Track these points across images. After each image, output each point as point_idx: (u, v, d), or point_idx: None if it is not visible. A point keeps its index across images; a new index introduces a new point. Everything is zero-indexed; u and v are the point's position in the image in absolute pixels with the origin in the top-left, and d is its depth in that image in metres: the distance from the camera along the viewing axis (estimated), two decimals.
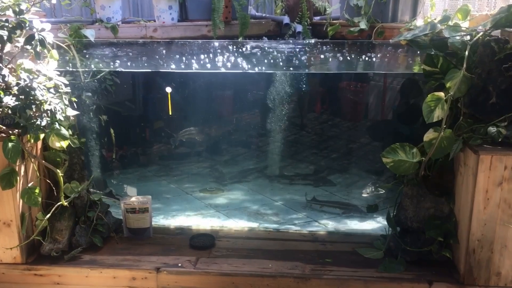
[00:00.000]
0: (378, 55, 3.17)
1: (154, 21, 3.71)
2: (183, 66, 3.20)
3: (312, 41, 3.45)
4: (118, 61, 3.17)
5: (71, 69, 3.03)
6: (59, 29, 3.11)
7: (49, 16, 3.60)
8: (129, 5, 4.46)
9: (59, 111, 2.59)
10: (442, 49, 2.58)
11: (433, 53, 2.58)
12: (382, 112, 4.76)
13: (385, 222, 2.98)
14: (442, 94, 2.45)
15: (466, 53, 2.42)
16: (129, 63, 3.23)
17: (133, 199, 3.20)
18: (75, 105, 2.86)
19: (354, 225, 3.57)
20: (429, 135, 2.52)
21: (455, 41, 2.52)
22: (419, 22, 3.31)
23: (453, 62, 2.57)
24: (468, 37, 2.52)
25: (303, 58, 3.35)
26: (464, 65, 2.41)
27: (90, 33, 3.11)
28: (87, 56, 3.11)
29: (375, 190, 3.58)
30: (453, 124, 2.59)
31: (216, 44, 3.23)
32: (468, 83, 2.45)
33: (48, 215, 2.81)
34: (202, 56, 3.20)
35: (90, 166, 3.93)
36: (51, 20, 2.95)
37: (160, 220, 3.58)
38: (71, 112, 2.73)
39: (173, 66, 3.22)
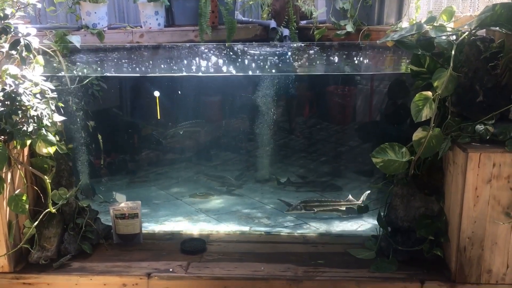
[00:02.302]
0: (365, 57, 3.19)
1: (141, 26, 3.69)
2: (175, 69, 3.20)
3: (297, 44, 3.47)
4: (105, 66, 3.15)
5: (57, 75, 3.01)
6: (45, 35, 3.09)
7: (34, 23, 3.56)
8: (115, 11, 4.46)
9: (45, 116, 2.56)
10: (429, 49, 2.59)
11: (419, 53, 2.59)
12: (370, 113, 4.79)
13: (376, 222, 2.99)
14: (429, 93, 2.47)
15: (453, 52, 2.43)
16: (115, 69, 3.21)
17: (123, 204, 3.17)
18: (62, 110, 2.83)
19: (345, 226, 3.57)
20: (418, 134, 2.53)
21: (441, 41, 2.54)
22: (404, 24, 3.35)
23: (440, 62, 2.60)
24: (454, 37, 2.54)
25: (290, 61, 3.36)
26: (451, 64, 2.42)
27: (76, 39, 3.08)
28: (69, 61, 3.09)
29: (300, 208, 3.65)
30: (441, 123, 2.61)
31: (202, 48, 3.23)
32: (455, 82, 2.47)
33: (36, 223, 2.77)
34: (187, 61, 3.19)
35: (78, 172, 3.89)
36: (36, 26, 2.92)
37: (150, 226, 3.54)
38: (58, 118, 2.70)
39: (160, 70, 3.21)
